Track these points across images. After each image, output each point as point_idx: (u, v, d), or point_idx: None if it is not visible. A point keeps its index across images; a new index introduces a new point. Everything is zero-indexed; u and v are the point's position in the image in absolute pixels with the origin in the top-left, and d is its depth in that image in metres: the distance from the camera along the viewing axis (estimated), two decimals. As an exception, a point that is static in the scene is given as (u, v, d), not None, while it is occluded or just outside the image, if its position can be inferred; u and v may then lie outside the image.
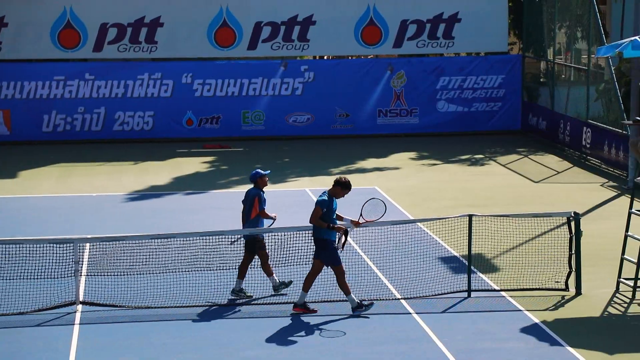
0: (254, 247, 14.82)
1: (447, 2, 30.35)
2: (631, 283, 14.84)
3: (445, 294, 14.90)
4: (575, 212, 15.13)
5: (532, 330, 13.41)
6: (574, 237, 15.02)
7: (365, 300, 14.24)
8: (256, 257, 14.98)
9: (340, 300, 14.52)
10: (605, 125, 25.64)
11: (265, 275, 15.01)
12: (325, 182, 23.61)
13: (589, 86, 26.99)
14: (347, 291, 14.13)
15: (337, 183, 14.29)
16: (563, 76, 29.80)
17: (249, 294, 14.90)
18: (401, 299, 14.75)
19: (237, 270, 14.95)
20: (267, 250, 14.92)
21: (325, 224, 14.03)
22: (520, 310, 14.17)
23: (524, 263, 15.86)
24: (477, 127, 30.49)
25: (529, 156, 27.09)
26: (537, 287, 15.07)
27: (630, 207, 15.25)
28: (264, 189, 15.00)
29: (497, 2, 30.38)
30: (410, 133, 30.38)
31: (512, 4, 31.19)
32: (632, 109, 22.73)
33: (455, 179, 24.15)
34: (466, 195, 22.15)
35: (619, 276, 15.16)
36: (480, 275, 15.71)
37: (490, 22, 30.29)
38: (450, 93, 30.53)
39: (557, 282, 15.19)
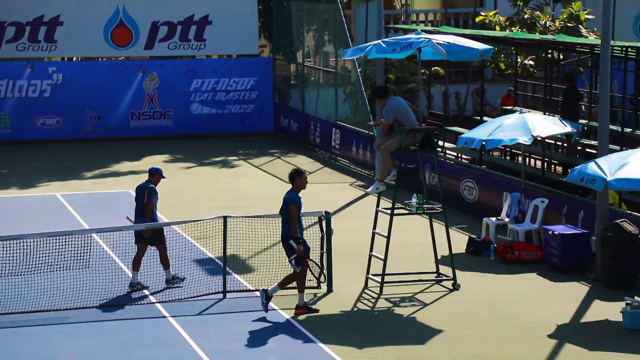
0: (152, 239, 15.06)
1: (198, 5, 30.40)
2: (379, 279, 15.42)
3: (200, 296, 14.94)
4: (326, 211, 15.56)
5: (285, 328, 13.68)
6: (325, 236, 15.44)
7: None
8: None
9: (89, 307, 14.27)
10: (352, 127, 26.52)
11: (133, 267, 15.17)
12: (76, 187, 23.10)
13: (337, 88, 27.82)
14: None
15: (293, 176, 14.13)
16: (312, 78, 30.56)
17: (145, 285, 15.04)
18: (156, 302, 14.66)
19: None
20: (165, 244, 15.23)
21: (297, 231, 13.95)
22: (274, 310, 14.41)
23: (277, 262, 16.14)
24: (231, 129, 30.74)
25: (282, 157, 27.58)
26: (289, 285, 15.36)
27: (377, 206, 15.87)
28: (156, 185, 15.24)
29: (247, 5, 30.73)
30: (164, 135, 30.21)
31: (262, 6, 31.64)
32: (377, 110, 23.62)
33: (209, 181, 24.24)
34: (221, 197, 22.28)
35: (368, 272, 15.73)
36: (236, 276, 15.87)
37: (241, 24, 30.59)
38: (203, 95, 30.60)
39: (309, 280, 15.55)
